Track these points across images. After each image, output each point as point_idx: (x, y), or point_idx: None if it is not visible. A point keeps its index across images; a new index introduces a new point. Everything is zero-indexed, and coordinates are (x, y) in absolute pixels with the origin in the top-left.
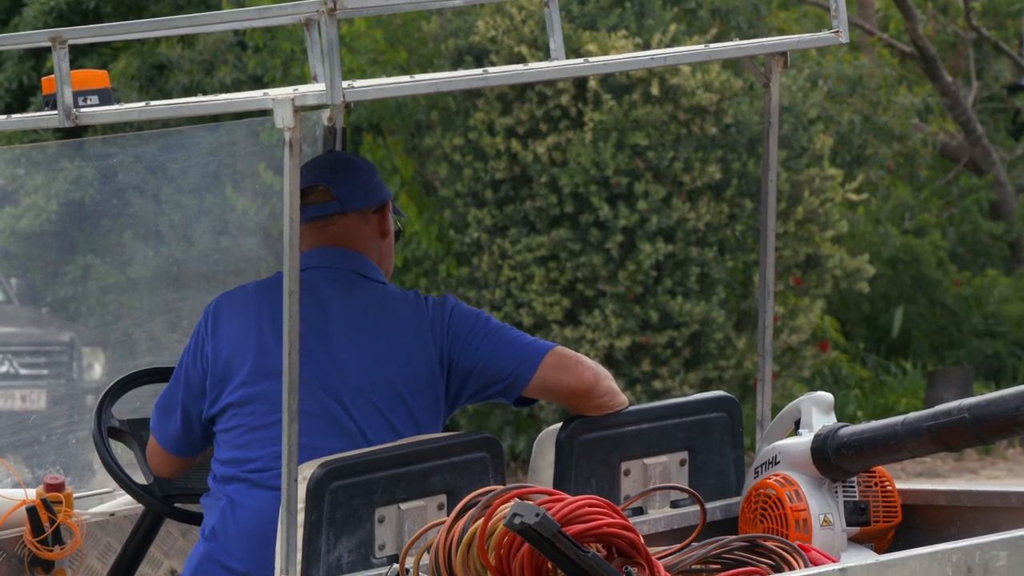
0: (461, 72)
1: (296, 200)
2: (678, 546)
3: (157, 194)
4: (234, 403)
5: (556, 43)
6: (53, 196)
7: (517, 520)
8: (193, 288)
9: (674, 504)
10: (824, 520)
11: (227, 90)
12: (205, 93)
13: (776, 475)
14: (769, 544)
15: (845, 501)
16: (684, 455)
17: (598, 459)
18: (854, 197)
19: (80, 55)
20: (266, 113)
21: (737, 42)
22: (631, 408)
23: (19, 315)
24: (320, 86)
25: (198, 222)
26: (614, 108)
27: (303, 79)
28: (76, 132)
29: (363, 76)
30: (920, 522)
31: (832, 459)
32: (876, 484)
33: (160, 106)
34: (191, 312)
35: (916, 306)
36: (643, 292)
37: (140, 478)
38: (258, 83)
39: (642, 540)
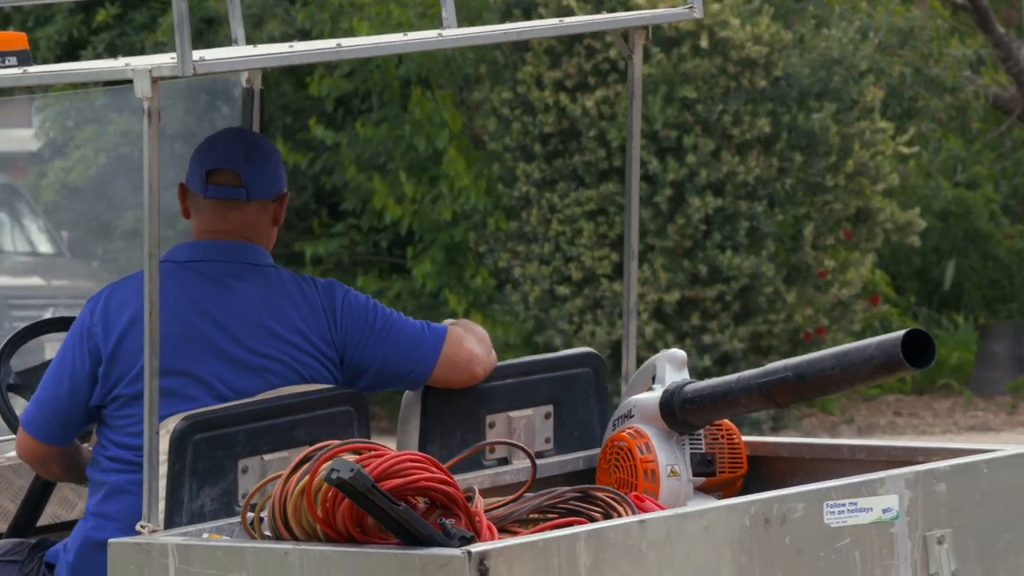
0: (311, 45)
1: (156, 169)
2: (511, 497)
3: None
4: (130, 396)
5: (448, 12)
6: (102, 149)
7: (334, 475)
8: None
9: (539, 455)
10: (671, 471)
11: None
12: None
13: (629, 428)
14: (600, 494)
15: (692, 453)
16: (549, 408)
17: (463, 414)
18: (905, 150)
19: (130, 8)
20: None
21: (593, 16)
22: (498, 364)
23: (70, 268)
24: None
25: None
26: (663, 61)
27: (350, 32)
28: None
29: (411, 29)
30: (767, 472)
31: (678, 413)
32: (723, 437)
33: (35, 73)
34: None
35: (968, 259)
36: (692, 246)
37: None
38: (306, 36)
39: (462, 494)
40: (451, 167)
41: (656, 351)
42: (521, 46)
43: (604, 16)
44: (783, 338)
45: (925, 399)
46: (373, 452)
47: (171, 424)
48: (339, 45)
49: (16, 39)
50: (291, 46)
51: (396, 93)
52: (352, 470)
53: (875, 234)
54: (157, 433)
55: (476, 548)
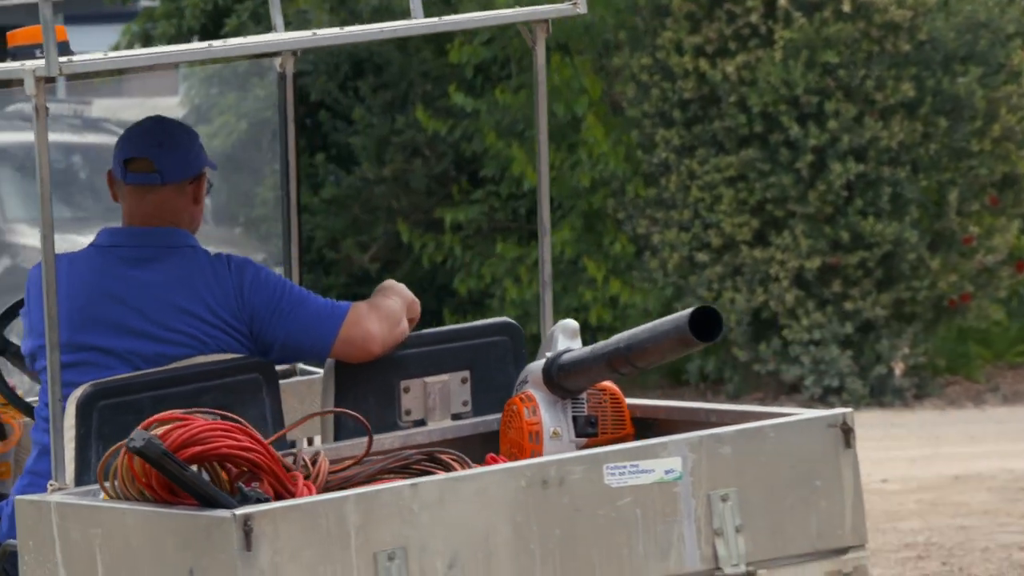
0: (187, 45)
1: (46, 163)
2: (354, 460)
3: (348, 114)
4: (63, 363)
5: (415, 3)
6: (244, 115)
7: (131, 443)
8: (382, 211)
9: (455, 417)
10: (553, 432)
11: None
12: (394, 16)
13: (523, 393)
14: (444, 456)
15: (575, 416)
16: (466, 374)
17: (378, 379)
18: None
19: None
20: None
21: (498, 11)
22: (413, 334)
23: (213, 235)
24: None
25: (388, 143)
26: (804, 26)
27: (508, 3)
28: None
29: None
30: (651, 435)
31: (556, 379)
32: (606, 400)
33: None
34: (385, 233)
35: None
36: (834, 212)
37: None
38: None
39: (271, 459)
40: (590, 134)
41: (797, 319)
42: (662, 11)
43: (505, 12)
44: (926, 305)
45: None
46: (185, 421)
47: (79, 391)
48: (210, 45)
49: (56, 32)
50: (314, 33)
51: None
52: (145, 439)
53: (1021, 199)
54: (60, 400)
55: (241, 511)
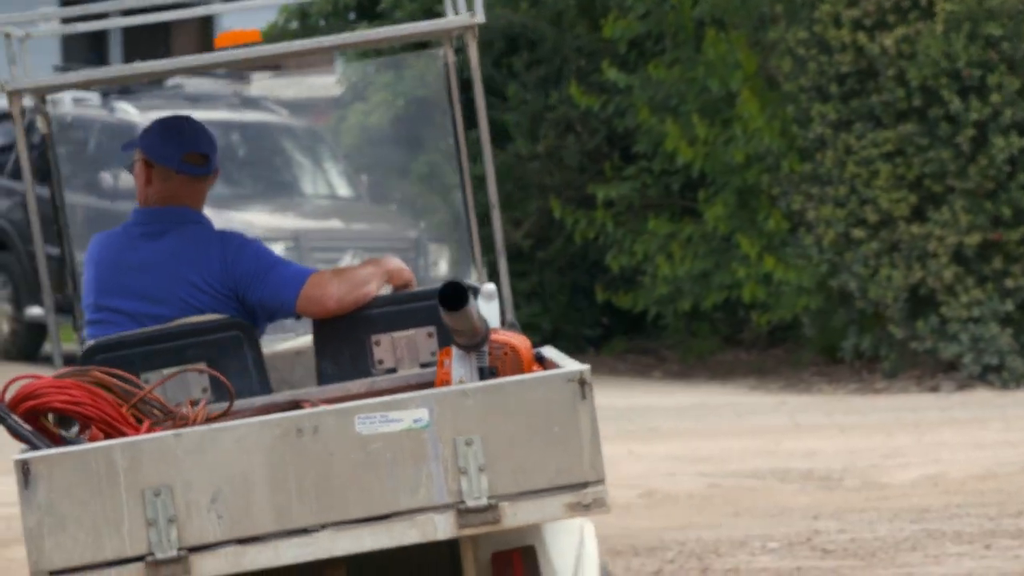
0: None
1: (27, 162)
2: (222, 412)
3: (502, 90)
4: (87, 320)
5: None
6: (400, 93)
7: None
8: (535, 187)
9: (423, 366)
10: (459, 381)
11: None
12: None
13: (448, 347)
14: (305, 404)
15: (479, 367)
16: (431, 329)
17: (351, 335)
18: None
19: None
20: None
21: (413, 24)
22: (383, 295)
23: (369, 212)
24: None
25: (541, 119)
26: None
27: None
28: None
29: None
30: None
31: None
32: (506, 353)
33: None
34: (537, 209)
35: None
36: (995, 188)
37: None
38: None
39: (101, 412)
40: (744, 108)
41: (955, 295)
42: None
43: (420, 24)
44: None
45: None
46: (32, 380)
47: (86, 346)
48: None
49: (250, 36)
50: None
51: (690, 34)
52: None
53: None
54: (60, 356)
55: (21, 456)
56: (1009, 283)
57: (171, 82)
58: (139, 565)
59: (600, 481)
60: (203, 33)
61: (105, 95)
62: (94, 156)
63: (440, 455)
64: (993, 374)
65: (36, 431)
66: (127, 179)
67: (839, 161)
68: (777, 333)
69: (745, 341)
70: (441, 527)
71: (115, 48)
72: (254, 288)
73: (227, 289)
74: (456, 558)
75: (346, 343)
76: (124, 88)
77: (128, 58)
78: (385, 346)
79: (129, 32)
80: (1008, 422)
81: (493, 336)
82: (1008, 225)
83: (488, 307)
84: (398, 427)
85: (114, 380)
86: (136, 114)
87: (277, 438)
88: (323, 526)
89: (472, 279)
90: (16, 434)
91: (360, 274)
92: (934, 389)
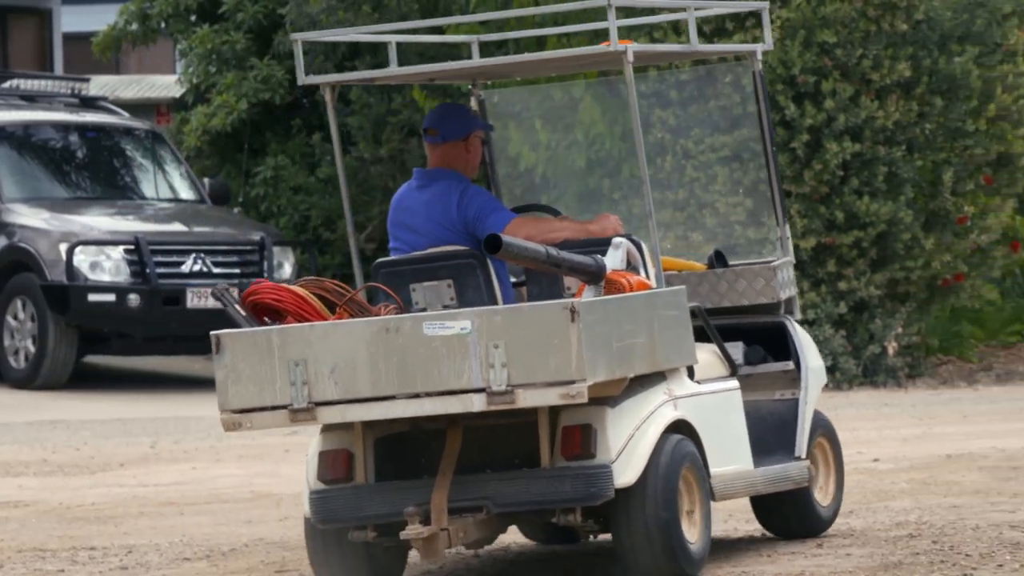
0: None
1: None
2: (396, 305)
3: (345, 95)
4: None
5: None
6: (243, 95)
7: (213, 292)
8: (379, 191)
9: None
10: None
11: None
12: None
13: (583, 284)
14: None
15: (596, 295)
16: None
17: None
18: None
19: None
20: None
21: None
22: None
23: (212, 215)
24: None
25: (384, 123)
26: (802, 5)
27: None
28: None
29: None
30: None
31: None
32: (617, 286)
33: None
34: (381, 212)
35: None
36: (829, 192)
37: None
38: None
39: (296, 307)
40: (586, 114)
41: None
42: None
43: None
44: (920, 285)
45: None
46: (260, 285)
47: (376, 263)
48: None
49: None
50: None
51: (532, 41)
52: (220, 291)
53: (1016, 179)
54: (359, 271)
55: (217, 332)
56: (842, 286)
57: (7, 84)
58: (284, 411)
59: (583, 380)
60: (41, 32)
61: None
62: None
63: (477, 353)
64: (827, 375)
65: (249, 316)
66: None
67: (678, 166)
68: None
69: None
70: (476, 403)
71: None
72: (478, 226)
73: (462, 226)
74: (536, 427)
75: (546, 275)
76: None
77: None
78: (571, 280)
79: None
80: (840, 423)
81: (611, 276)
82: (841, 229)
83: (614, 255)
84: (450, 332)
85: (333, 287)
86: None
87: (374, 333)
88: (399, 396)
89: (772, 229)
90: (231, 316)
91: (553, 224)
92: None
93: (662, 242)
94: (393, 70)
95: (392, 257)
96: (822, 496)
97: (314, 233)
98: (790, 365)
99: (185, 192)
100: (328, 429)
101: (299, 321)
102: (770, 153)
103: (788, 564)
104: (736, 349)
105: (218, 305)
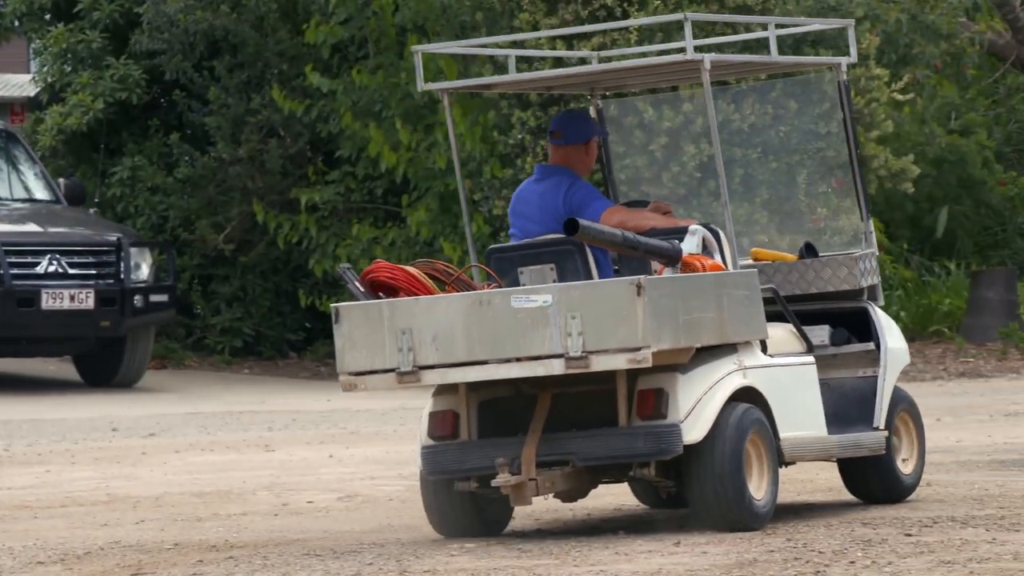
0: None
1: None
2: (497, 283)
3: (204, 94)
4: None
5: None
6: (100, 95)
7: (339, 270)
8: (237, 191)
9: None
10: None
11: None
12: None
13: (662, 266)
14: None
15: (673, 276)
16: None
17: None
18: (900, 97)
19: None
20: None
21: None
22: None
23: (67, 215)
24: None
25: (243, 124)
26: (660, 8)
27: None
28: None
29: None
30: None
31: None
32: (691, 267)
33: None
34: (240, 213)
35: (961, 206)
36: (686, 194)
37: None
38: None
39: (407, 284)
40: (447, 115)
41: None
42: None
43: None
44: None
45: (916, 345)
46: (378, 266)
47: (488, 249)
48: None
49: None
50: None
51: (392, 40)
52: (342, 271)
53: (868, 181)
54: (474, 251)
55: (336, 304)
56: None
57: None
58: (392, 374)
59: (648, 347)
60: None
61: None
62: None
63: (557, 323)
64: None
65: (367, 291)
66: None
67: (771, 169)
68: None
69: None
70: (555, 367)
71: None
72: (579, 214)
73: (567, 215)
74: (616, 392)
75: (633, 260)
76: None
77: None
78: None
79: None
80: None
81: (687, 258)
82: None
83: (690, 240)
84: (534, 305)
85: (443, 267)
86: None
87: (469, 306)
88: (491, 360)
89: (860, 218)
90: (350, 291)
91: (645, 214)
92: None
93: (758, 236)
94: (511, 76)
95: (504, 245)
96: (904, 466)
97: (172, 234)
98: (871, 346)
99: (40, 192)
100: (438, 392)
101: (409, 296)
102: (854, 157)
103: (645, 562)
104: (823, 331)
105: (73, 306)
